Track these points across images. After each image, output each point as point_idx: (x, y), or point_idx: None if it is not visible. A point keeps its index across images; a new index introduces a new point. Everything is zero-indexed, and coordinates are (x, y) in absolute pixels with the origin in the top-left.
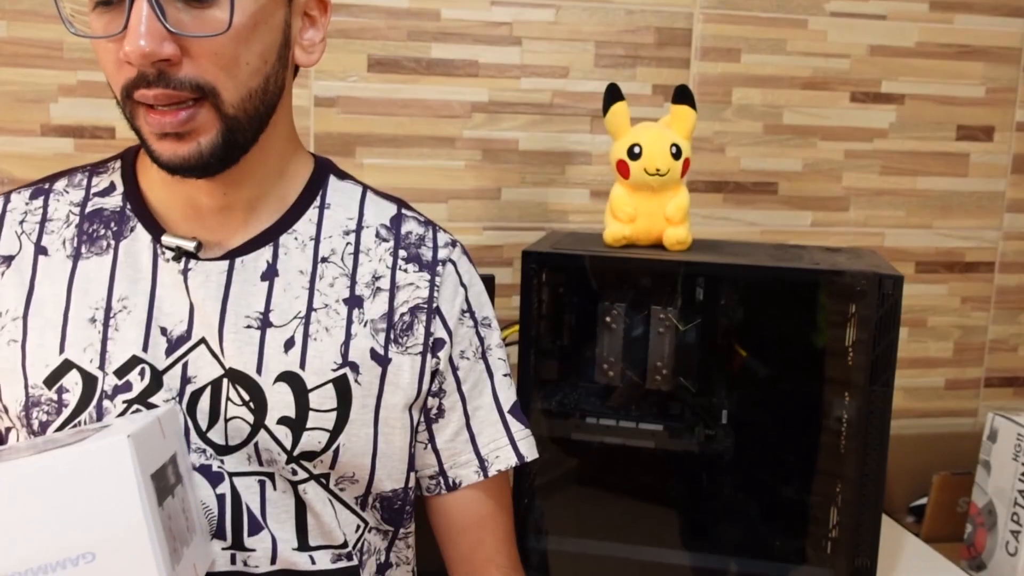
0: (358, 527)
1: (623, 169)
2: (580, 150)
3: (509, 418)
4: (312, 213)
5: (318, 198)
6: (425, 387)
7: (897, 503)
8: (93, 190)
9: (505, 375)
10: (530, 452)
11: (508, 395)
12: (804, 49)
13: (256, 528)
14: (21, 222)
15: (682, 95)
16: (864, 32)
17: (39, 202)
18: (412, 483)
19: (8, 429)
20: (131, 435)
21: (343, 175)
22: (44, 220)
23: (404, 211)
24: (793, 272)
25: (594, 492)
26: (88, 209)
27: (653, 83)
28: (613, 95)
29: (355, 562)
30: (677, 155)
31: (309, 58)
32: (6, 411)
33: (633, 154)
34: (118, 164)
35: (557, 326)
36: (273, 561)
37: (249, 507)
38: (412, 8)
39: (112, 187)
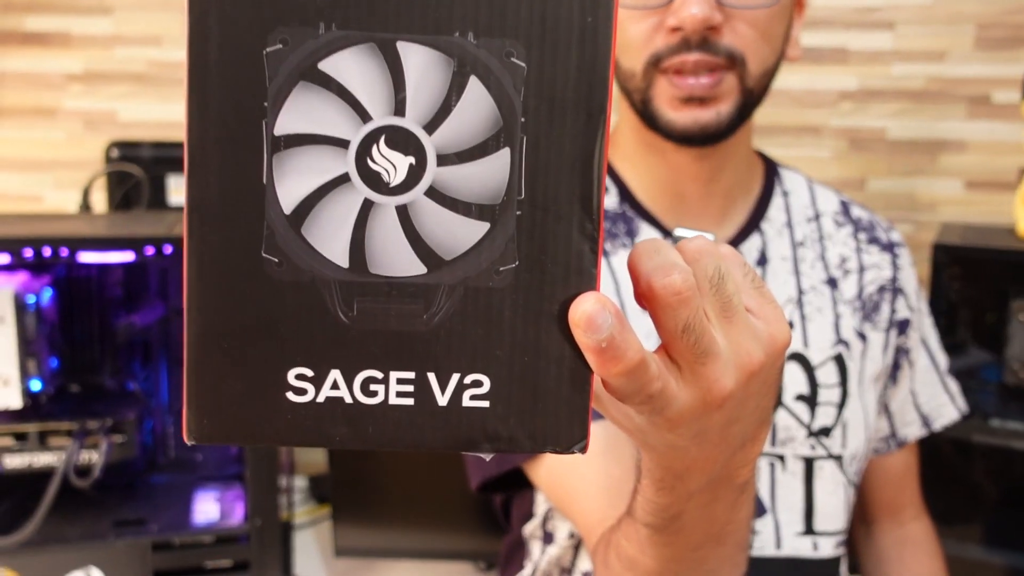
0: (853, 509)
1: None
2: (954, 139)
3: (947, 378)
4: (778, 201)
5: (777, 186)
6: (889, 360)
7: None
8: None
9: (936, 338)
10: (965, 405)
11: (942, 356)
12: None
13: (761, 511)
14: None
15: None
16: None
17: None
18: None
19: None
20: None
21: (782, 164)
22: None
23: (843, 197)
24: None
25: (990, 495)
26: None
27: None
28: None
29: (843, 551)
30: None
31: (793, 52)
32: None
33: None
34: None
35: (954, 322)
36: (778, 546)
37: (756, 489)
38: None
39: (607, 190)
